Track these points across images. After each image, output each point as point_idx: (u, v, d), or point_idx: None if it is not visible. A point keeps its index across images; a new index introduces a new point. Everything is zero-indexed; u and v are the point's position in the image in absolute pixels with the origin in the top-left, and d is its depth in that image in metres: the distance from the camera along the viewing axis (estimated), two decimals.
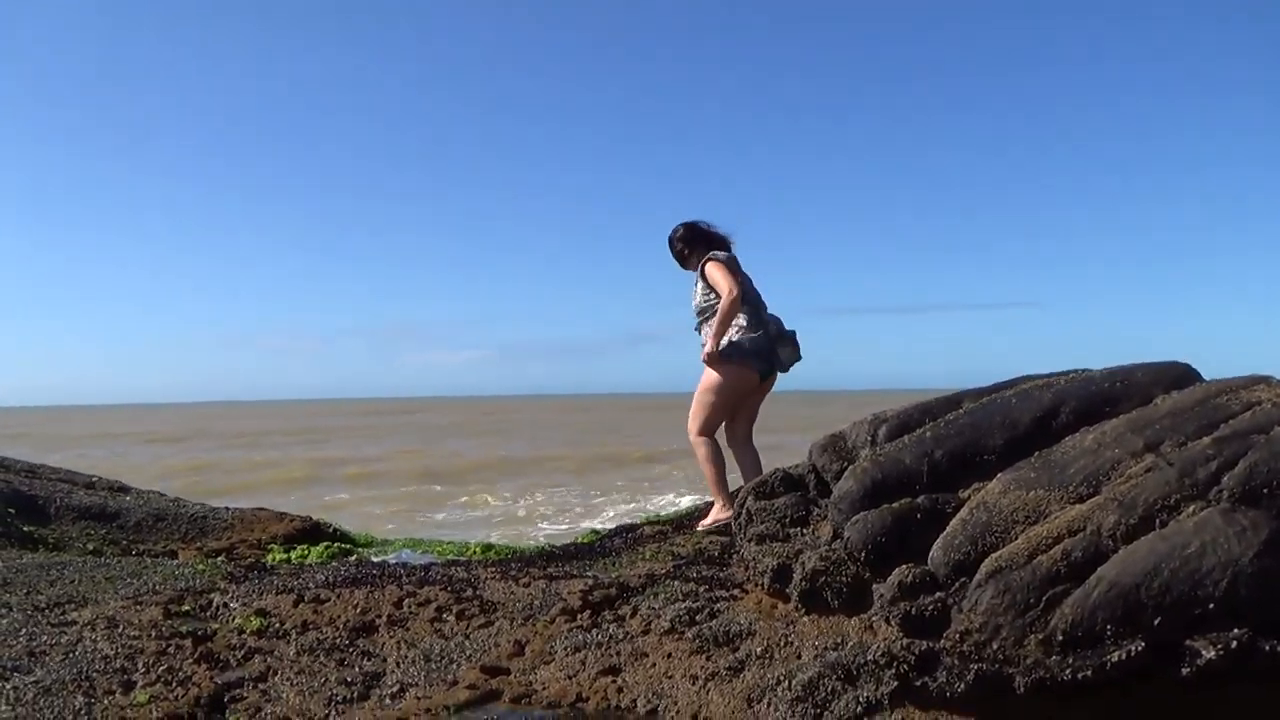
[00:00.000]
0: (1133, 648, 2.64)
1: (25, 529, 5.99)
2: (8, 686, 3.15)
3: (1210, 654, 2.60)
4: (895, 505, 3.46)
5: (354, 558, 5.91)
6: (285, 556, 6.01)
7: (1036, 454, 3.51)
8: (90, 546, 6.14)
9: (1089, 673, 2.64)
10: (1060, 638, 2.75)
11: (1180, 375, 3.92)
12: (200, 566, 5.15)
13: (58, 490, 7.17)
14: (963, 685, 2.71)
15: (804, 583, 3.41)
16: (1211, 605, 2.68)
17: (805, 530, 3.91)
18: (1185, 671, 2.61)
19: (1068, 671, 2.66)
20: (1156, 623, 2.69)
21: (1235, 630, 2.63)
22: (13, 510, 6.33)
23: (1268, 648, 2.61)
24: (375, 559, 5.84)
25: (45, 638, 3.63)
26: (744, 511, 4.21)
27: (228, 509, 7.51)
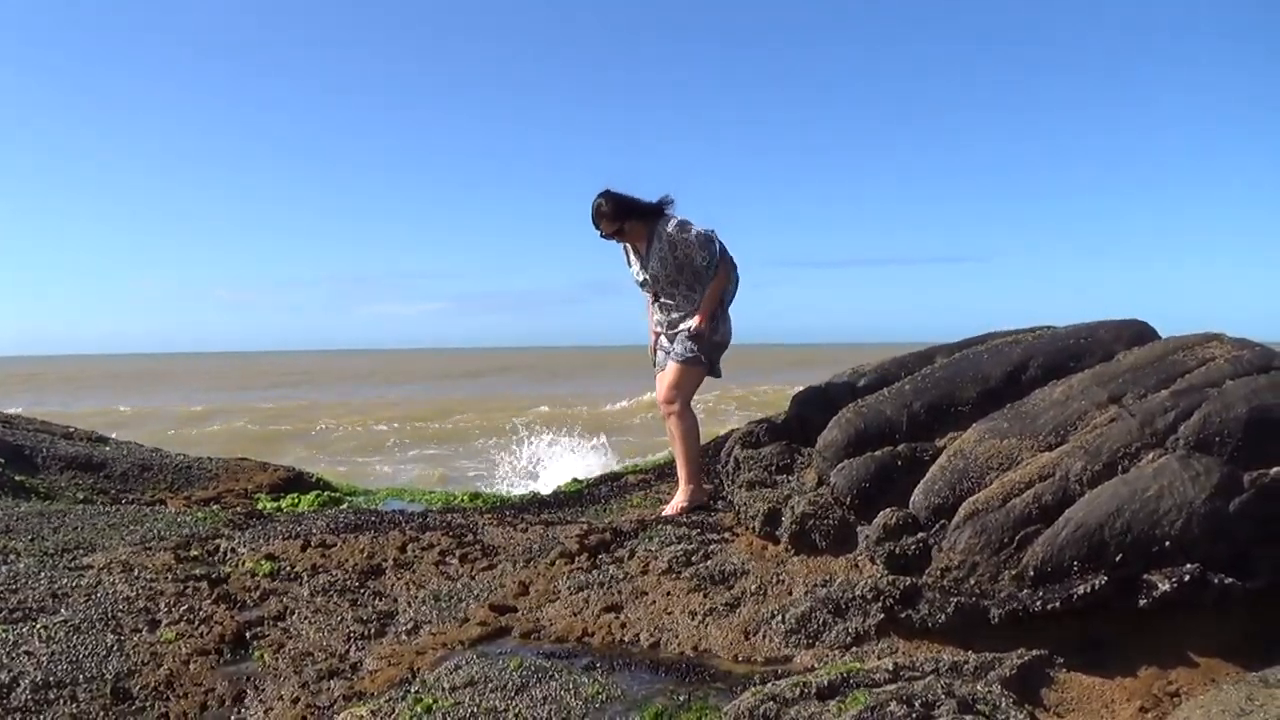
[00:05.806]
0: (1096, 581, 2.91)
1: (16, 478, 6.04)
2: (37, 626, 3.29)
3: (1166, 586, 2.88)
4: (878, 453, 3.70)
5: (346, 505, 6.06)
6: (276, 505, 6.13)
7: (1009, 405, 3.77)
8: (80, 496, 6.21)
9: (1057, 604, 2.91)
10: (1031, 573, 3.02)
11: (1139, 332, 4.20)
12: (200, 514, 5.27)
13: (41, 440, 7.19)
14: (943, 616, 2.98)
15: (794, 525, 3.64)
16: (1168, 543, 2.96)
17: (791, 477, 4.15)
18: (1143, 602, 2.89)
19: (1038, 603, 2.93)
20: (1118, 559, 2.96)
21: (1188, 565, 2.92)
22: (2, 460, 6.37)
23: (1217, 580, 2.90)
24: (367, 507, 6.00)
25: (65, 580, 3.76)
26: (731, 460, 4.44)
27: (212, 459, 7.58)
